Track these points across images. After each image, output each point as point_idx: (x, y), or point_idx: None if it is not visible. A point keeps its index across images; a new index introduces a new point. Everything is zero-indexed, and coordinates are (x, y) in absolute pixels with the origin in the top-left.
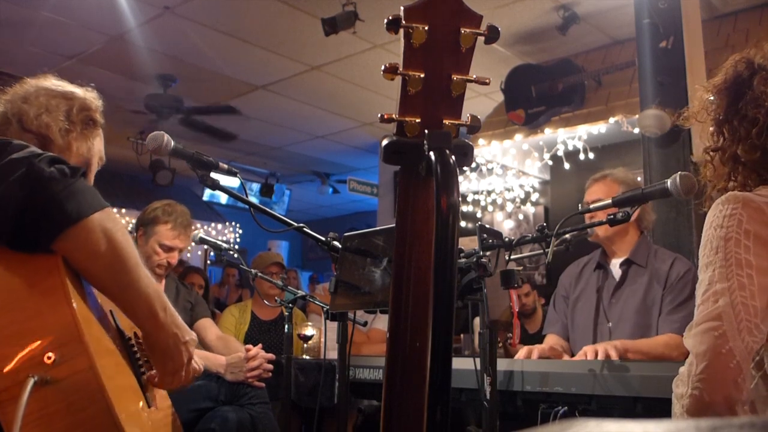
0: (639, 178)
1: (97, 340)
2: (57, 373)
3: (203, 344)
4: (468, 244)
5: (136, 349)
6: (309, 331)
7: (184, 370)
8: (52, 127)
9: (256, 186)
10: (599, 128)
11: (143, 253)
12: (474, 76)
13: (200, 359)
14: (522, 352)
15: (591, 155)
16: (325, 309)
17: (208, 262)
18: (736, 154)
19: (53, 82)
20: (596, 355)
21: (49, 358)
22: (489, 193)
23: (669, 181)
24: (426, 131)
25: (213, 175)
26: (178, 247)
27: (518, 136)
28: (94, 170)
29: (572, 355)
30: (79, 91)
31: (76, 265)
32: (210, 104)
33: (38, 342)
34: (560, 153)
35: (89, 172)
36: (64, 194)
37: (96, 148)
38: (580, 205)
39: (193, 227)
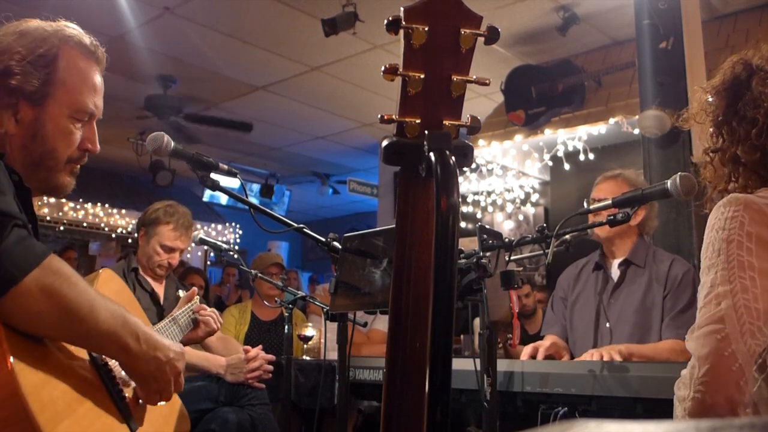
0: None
1: (55, 403)
2: None
3: (203, 345)
4: (468, 244)
5: (114, 373)
6: (309, 331)
7: (172, 385)
8: None
9: (256, 187)
10: (599, 129)
11: (144, 253)
12: (474, 77)
13: (200, 360)
14: (527, 350)
15: (591, 156)
16: (325, 310)
17: (208, 262)
18: (736, 155)
19: None
20: (601, 358)
21: None
22: (489, 193)
23: (669, 182)
24: (426, 132)
25: (213, 175)
26: (180, 248)
27: (518, 137)
28: (60, 135)
29: (572, 356)
30: (14, 33)
31: (21, 329)
32: (210, 106)
33: None
34: (560, 154)
35: (45, 142)
36: None
37: (49, 113)
38: (585, 201)
39: (193, 228)
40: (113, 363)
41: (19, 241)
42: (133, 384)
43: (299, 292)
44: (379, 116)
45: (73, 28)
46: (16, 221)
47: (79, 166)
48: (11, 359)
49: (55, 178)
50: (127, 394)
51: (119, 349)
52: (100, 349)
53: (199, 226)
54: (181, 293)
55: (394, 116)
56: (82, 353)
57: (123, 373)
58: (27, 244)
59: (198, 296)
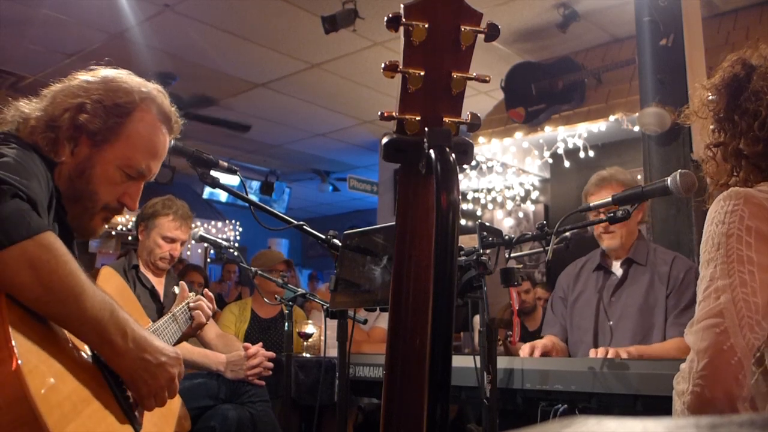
0: (639, 176)
1: (62, 404)
2: None
3: (203, 343)
4: (468, 242)
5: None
6: (309, 329)
7: (166, 391)
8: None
9: (256, 184)
10: (599, 126)
11: (145, 248)
12: (474, 74)
13: (200, 357)
14: (524, 349)
15: (591, 153)
16: (325, 307)
17: (208, 260)
18: (738, 149)
19: (85, 77)
20: (606, 354)
21: None
22: (489, 191)
23: (669, 179)
24: (426, 129)
25: (213, 173)
26: (180, 239)
27: (518, 134)
28: (105, 181)
29: (570, 357)
30: (97, 82)
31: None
32: (209, 103)
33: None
34: (560, 151)
35: (90, 182)
36: None
37: (103, 158)
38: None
39: (193, 224)
40: None
41: (17, 211)
42: None
43: (299, 289)
44: (379, 113)
45: (159, 91)
46: (18, 192)
47: (113, 217)
48: (18, 360)
49: (87, 218)
50: (130, 395)
51: (102, 341)
52: (81, 336)
53: (198, 223)
54: (176, 289)
55: (394, 113)
56: (86, 350)
57: None
58: (24, 216)
59: (194, 293)
